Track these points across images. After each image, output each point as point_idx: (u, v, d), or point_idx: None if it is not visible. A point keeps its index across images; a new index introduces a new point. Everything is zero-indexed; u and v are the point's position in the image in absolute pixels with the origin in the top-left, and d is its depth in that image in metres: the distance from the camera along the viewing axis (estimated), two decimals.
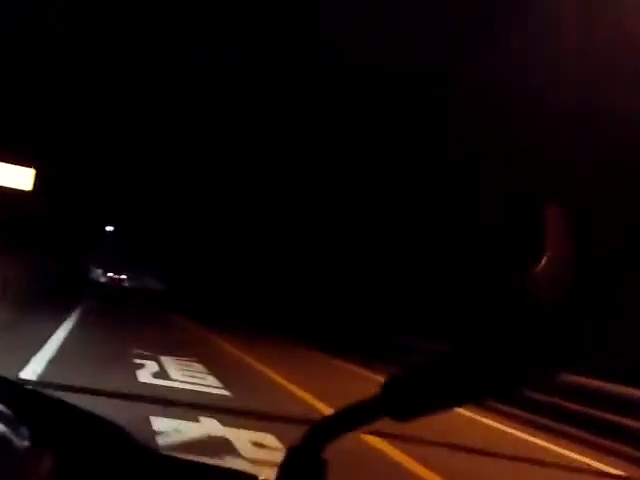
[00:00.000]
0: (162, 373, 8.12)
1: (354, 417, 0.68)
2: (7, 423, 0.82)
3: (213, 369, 9.03)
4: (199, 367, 9.17)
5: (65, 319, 13.03)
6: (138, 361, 8.64)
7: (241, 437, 5.29)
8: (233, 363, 11.28)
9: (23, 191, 22.00)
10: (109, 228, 69.32)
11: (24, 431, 0.82)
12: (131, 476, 0.84)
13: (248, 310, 28.55)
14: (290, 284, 29.62)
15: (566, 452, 7.64)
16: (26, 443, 0.79)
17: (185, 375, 8.24)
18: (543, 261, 0.62)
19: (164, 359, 9.19)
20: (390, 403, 0.66)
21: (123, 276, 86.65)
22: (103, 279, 77.19)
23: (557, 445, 7.91)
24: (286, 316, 24.07)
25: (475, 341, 0.63)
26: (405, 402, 0.66)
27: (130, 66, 30.46)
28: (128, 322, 17.96)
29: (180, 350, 10.62)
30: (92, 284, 49.50)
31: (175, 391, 7.00)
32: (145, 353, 9.42)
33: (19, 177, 22.06)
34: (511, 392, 0.65)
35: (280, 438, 5.25)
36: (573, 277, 0.63)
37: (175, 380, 7.73)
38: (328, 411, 5.79)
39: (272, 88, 28.81)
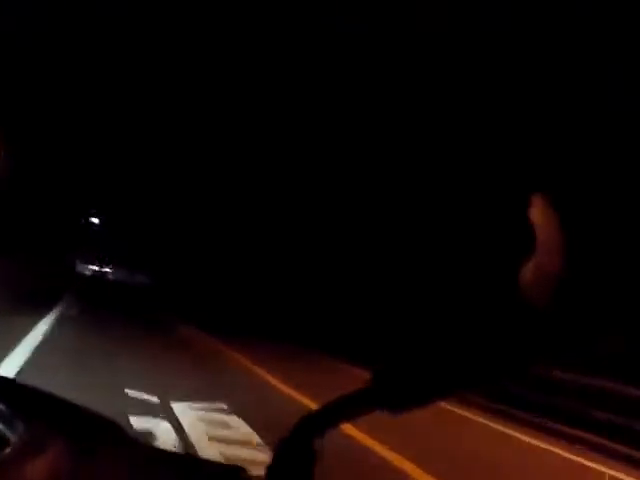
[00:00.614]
0: (182, 441, 4.87)
1: (345, 409, 0.68)
2: (1, 418, 0.81)
3: (263, 429, 5.55)
4: (238, 424, 5.82)
5: (30, 331, 9.43)
6: (137, 419, 5.16)
7: None
8: (290, 408, 6.91)
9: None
10: (95, 220, 68.22)
11: (19, 425, 0.81)
12: (125, 467, 0.83)
13: (254, 308, 24.88)
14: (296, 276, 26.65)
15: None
16: (20, 437, 0.79)
17: (222, 446, 4.97)
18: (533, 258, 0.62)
19: (178, 409, 5.91)
20: (381, 395, 0.65)
21: (107, 269, 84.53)
22: (88, 272, 74.56)
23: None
24: (299, 315, 20.60)
25: (465, 333, 0.64)
26: (396, 393, 0.65)
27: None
28: (114, 335, 11.92)
29: (196, 384, 7.38)
30: (76, 280, 45.19)
31: None
32: (147, 399, 6.06)
33: None
34: (501, 380, 0.66)
35: None
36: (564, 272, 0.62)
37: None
38: None
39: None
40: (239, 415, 6.03)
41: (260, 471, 0.73)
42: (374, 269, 19.88)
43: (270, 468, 0.71)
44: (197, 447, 4.78)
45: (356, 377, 9.48)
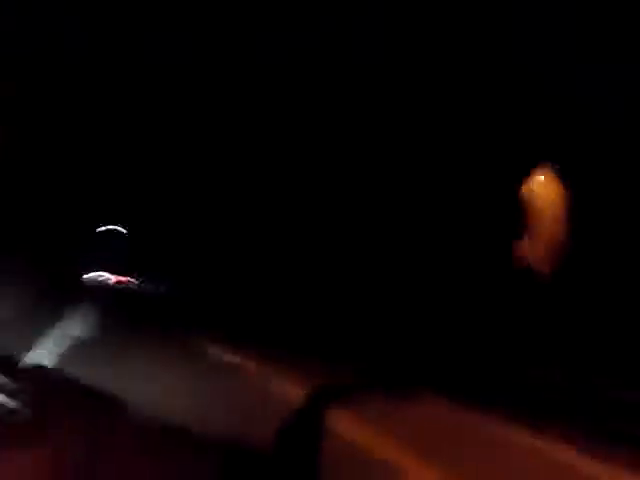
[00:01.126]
0: None
1: (351, 388, 0.97)
2: (9, 394, 0.92)
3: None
4: None
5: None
6: None
7: None
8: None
9: None
10: (111, 226, 66.70)
11: (23, 397, 0.92)
12: (124, 439, 0.92)
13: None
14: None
15: None
16: (27, 412, 0.88)
17: None
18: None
19: None
20: (385, 377, 1.09)
21: (126, 279, 79.79)
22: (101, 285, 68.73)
23: None
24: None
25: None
26: (399, 378, 1.11)
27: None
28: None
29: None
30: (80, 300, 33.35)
31: None
32: None
33: None
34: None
35: None
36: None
37: None
38: None
39: None
40: None
41: None
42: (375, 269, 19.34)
43: (279, 440, 0.76)
44: None
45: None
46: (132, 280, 51.50)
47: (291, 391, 7.17)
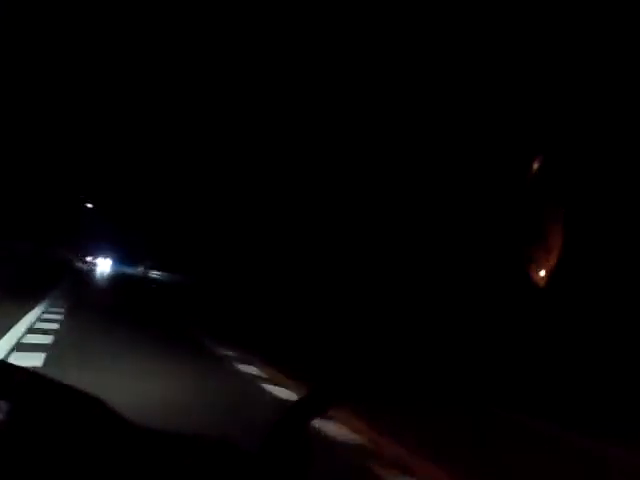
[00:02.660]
0: None
1: (335, 396, 0.71)
2: None
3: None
4: None
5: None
6: None
7: None
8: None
9: None
10: (89, 205, 64.14)
11: (2, 405, 0.80)
12: (110, 446, 0.82)
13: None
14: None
15: None
16: (6, 416, 0.78)
17: None
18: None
19: None
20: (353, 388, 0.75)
21: (92, 259, 66.01)
22: (82, 265, 58.55)
23: None
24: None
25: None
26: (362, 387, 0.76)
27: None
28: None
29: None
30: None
31: None
32: None
33: None
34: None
35: None
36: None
37: None
38: None
39: None
40: None
41: None
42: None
43: (266, 447, 0.72)
44: None
45: None
46: (92, 259, 51.65)
47: (285, 392, 6.67)
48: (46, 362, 6.02)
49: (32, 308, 10.65)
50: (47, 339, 7.61)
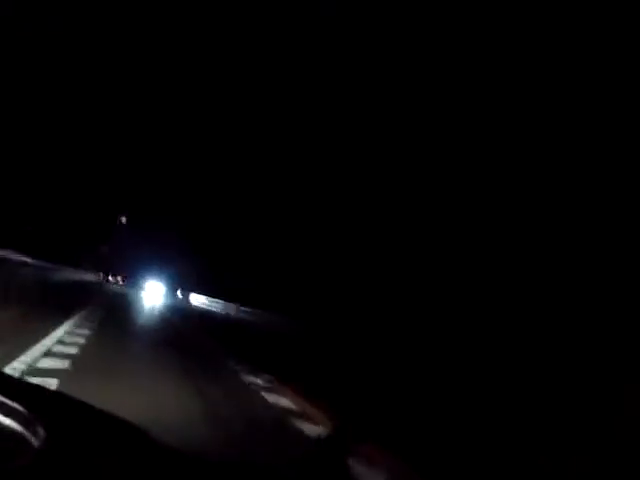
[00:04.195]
0: None
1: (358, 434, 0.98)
2: (23, 423, 0.77)
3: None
4: None
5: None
6: None
7: None
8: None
9: None
10: (123, 219, 59.64)
11: (40, 431, 0.78)
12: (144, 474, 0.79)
13: None
14: None
15: None
16: (42, 443, 0.76)
17: None
18: None
19: None
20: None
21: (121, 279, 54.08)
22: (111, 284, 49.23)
23: None
24: None
25: None
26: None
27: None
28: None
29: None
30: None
31: None
32: None
33: None
34: None
35: None
36: None
37: None
38: None
39: None
40: None
41: None
42: None
43: (303, 472, 0.79)
44: None
45: None
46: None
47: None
48: None
49: None
50: None
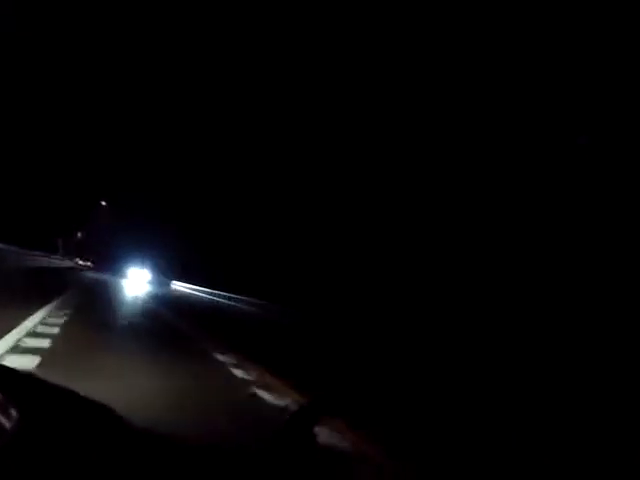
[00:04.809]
0: None
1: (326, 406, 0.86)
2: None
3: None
4: None
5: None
6: None
7: None
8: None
9: None
10: (103, 202, 58.71)
11: (13, 413, 0.79)
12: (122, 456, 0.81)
13: None
14: None
15: None
16: (15, 425, 0.77)
17: None
18: None
19: None
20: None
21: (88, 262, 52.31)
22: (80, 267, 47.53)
23: None
24: None
25: None
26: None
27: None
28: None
29: None
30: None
31: None
32: None
33: None
34: None
35: None
36: None
37: None
38: None
39: None
40: None
41: None
42: None
43: (272, 449, 0.77)
44: None
45: None
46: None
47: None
48: None
49: None
50: None
